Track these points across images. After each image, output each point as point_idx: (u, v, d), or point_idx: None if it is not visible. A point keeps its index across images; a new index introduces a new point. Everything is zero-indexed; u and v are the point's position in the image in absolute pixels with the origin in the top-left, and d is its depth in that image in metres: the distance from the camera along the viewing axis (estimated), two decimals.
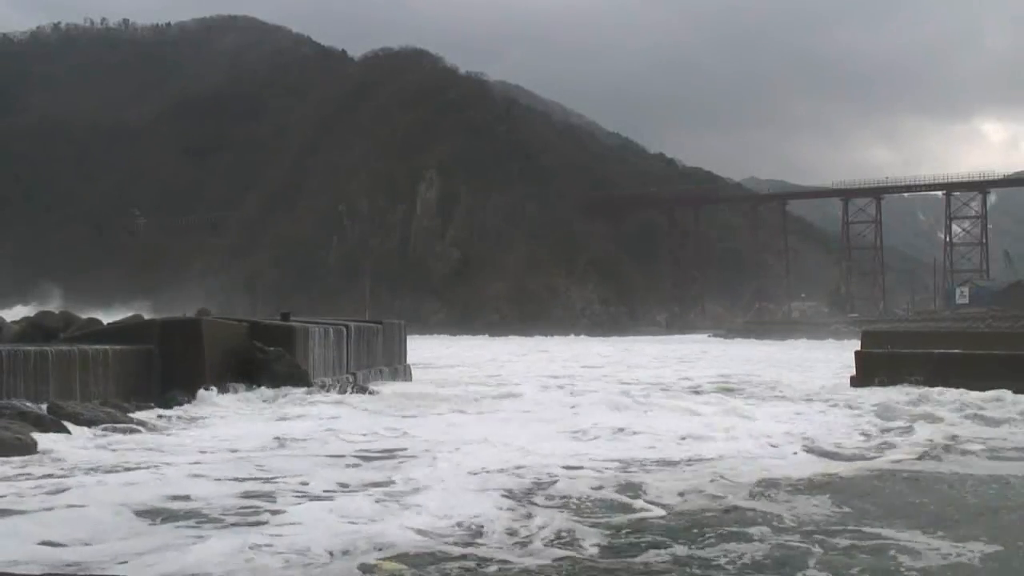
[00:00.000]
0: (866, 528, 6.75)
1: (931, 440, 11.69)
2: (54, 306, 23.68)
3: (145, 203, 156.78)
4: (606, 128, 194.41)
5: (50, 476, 8.64)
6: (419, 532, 6.54)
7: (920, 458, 10.27)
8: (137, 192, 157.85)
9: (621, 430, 12.54)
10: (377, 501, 7.58)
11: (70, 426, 11.54)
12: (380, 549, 6.02)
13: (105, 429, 11.79)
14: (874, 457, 10.29)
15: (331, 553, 5.92)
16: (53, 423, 11.39)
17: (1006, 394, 15.68)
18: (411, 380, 23.55)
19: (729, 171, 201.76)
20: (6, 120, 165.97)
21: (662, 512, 7.33)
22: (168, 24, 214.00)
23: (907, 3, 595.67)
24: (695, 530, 6.75)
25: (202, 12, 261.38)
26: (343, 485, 8.36)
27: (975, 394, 16.06)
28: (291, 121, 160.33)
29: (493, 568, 5.79)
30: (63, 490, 7.92)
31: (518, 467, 9.32)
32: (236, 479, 8.59)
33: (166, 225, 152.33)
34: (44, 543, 6.06)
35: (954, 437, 11.98)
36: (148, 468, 9.13)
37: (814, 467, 9.50)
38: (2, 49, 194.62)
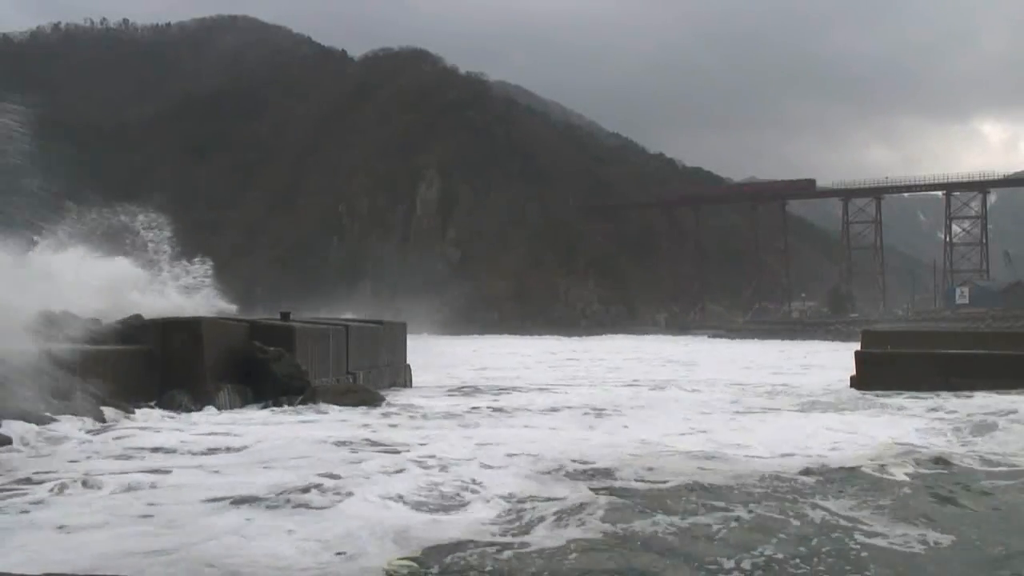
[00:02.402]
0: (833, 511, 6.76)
1: (928, 442, 11.68)
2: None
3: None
4: (606, 128, 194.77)
5: (55, 477, 8.62)
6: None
7: (917, 461, 10.25)
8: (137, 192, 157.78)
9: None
10: (402, 496, 7.62)
11: (71, 427, 11.54)
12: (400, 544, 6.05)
13: (106, 429, 11.80)
14: (871, 458, 10.27)
15: (349, 549, 5.90)
16: (54, 423, 11.38)
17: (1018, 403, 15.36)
18: (411, 382, 23.48)
19: (729, 171, 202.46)
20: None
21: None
22: (168, 24, 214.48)
23: (905, 4, 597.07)
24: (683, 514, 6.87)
25: (202, 12, 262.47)
26: (366, 477, 8.37)
27: (981, 400, 15.99)
28: (291, 121, 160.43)
29: (508, 553, 5.87)
30: (69, 492, 7.90)
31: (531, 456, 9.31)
32: (241, 478, 8.56)
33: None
34: (55, 543, 6.04)
35: (956, 435, 11.98)
36: (155, 468, 9.11)
37: (808, 468, 9.48)
38: (2, 49, 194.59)
